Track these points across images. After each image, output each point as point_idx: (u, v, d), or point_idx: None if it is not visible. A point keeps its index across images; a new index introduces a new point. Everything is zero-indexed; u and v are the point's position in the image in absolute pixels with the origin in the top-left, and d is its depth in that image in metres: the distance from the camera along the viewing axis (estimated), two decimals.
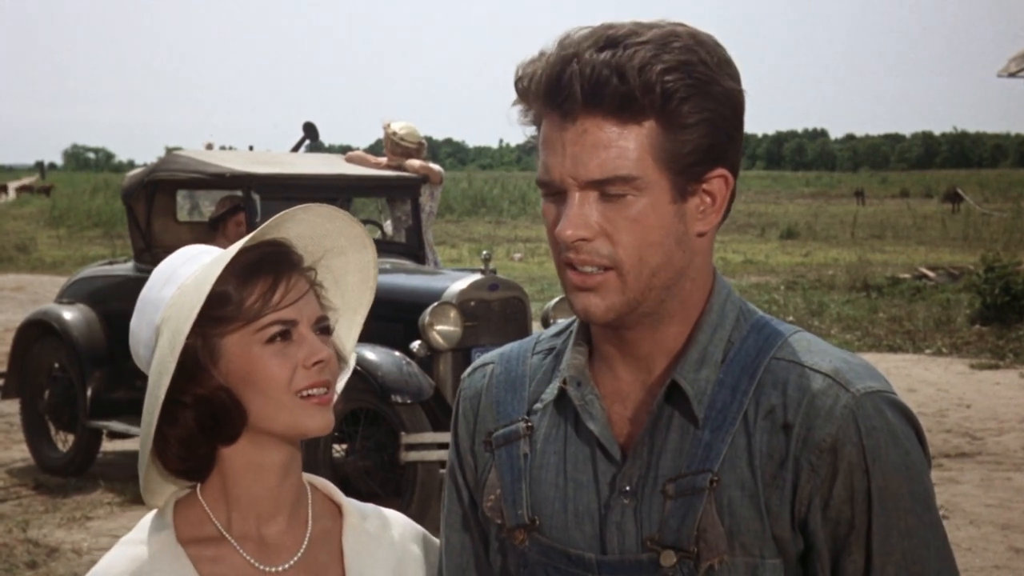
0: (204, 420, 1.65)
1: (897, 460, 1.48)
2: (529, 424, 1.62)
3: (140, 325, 1.74)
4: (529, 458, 1.61)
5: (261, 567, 1.69)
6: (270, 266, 1.66)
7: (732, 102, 1.49)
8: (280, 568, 1.70)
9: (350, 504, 1.80)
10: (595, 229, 1.47)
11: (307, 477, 1.78)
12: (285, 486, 1.71)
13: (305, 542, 1.73)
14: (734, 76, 1.50)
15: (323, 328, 1.70)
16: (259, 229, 1.68)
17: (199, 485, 1.72)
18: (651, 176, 1.46)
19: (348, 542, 1.75)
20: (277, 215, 1.69)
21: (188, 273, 1.69)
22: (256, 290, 1.65)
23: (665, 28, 1.48)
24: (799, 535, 1.49)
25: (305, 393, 1.65)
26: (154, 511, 1.74)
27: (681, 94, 1.44)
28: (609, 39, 1.46)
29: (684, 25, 1.50)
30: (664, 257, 1.49)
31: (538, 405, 1.63)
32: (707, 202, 1.51)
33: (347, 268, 1.79)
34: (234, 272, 1.64)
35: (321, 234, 1.75)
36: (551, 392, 1.62)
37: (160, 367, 1.64)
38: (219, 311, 1.63)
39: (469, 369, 1.75)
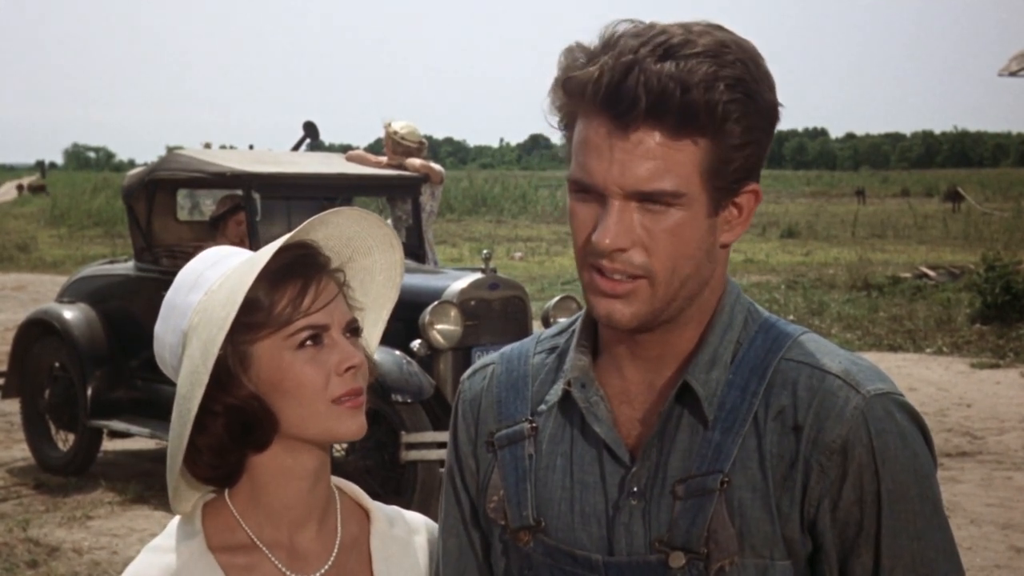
0: (234, 428, 1.62)
1: (907, 462, 1.48)
2: (534, 425, 1.61)
3: (165, 331, 1.69)
4: (534, 459, 1.60)
5: (293, 575, 1.68)
6: (299, 269, 1.63)
7: (771, 118, 1.48)
8: None
9: (377, 509, 1.78)
10: (634, 239, 1.46)
11: (334, 480, 1.76)
12: (316, 491, 1.69)
13: (335, 549, 1.71)
14: (772, 88, 1.48)
15: (353, 330, 1.67)
16: (291, 234, 1.65)
17: (227, 490, 1.69)
18: (695, 192, 1.46)
19: (376, 548, 1.74)
20: (310, 219, 1.67)
21: (215, 278, 1.66)
22: (286, 295, 1.61)
23: (715, 36, 1.45)
24: (808, 536, 1.49)
25: (339, 399, 1.63)
26: (178, 516, 1.71)
27: (736, 114, 1.43)
28: (666, 48, 1.43)
29: (723, 30, 1.48)
30: (694, 268, 1.49)
31: (542, 407, 1.62)
32: (734, 214, 1.52)
33: (374, 267, 1.77)
34: (263, 277, 1.61)
35: (349, 235, 1.72)
36: (555, 393, 1.61)
37: (192, 378, 1.60)
38: (249, 317, 1.60)
39: (469, 371, 1.74)
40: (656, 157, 1.43)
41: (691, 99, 1.41)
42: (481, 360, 1.74)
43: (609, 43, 1.46)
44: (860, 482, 1.47)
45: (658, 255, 1.46)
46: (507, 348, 1.73)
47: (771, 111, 1.48)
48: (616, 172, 1.44)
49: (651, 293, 1.48)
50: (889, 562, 1.47)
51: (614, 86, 1.43)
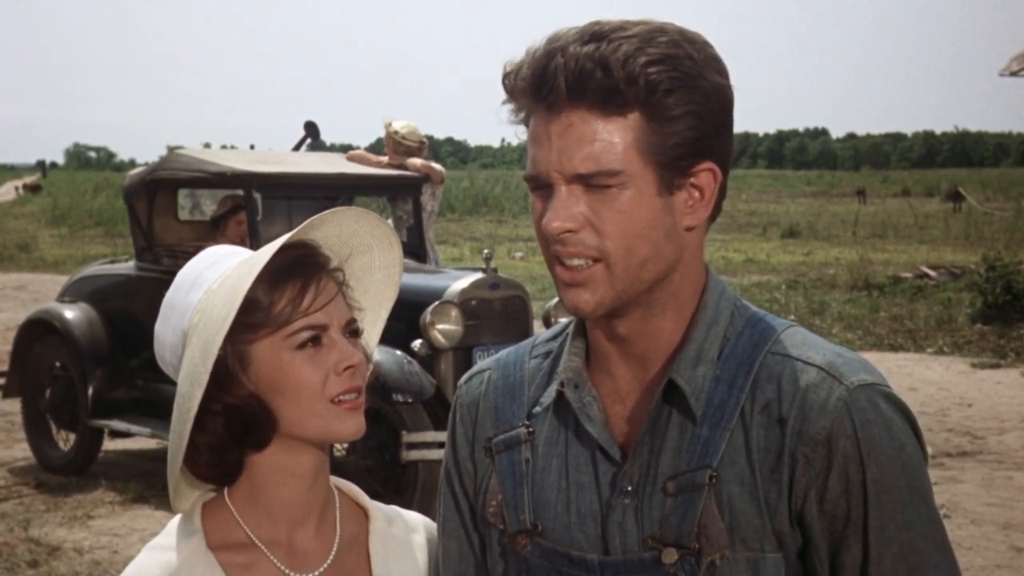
0: (234, 428, 1.62)
1: (892, 452, 1.48)
2: (531, 430, 1.62)
3: (165, 330, 1.69)
4: (531, 463, 1.61)
5: (292, 574, 1.68)
6: (299, 269, 1.63)
7: (719, 97, 1.49)
8: (311, 575, 1.69)
9: (376, 508, 1.78)
10: (581, 221, 1.48)
11: (333, 480, 1.76)
12: (315, 490, 1.70)
13: (334, 548, 1.71)
14: (722, 72, 1.50)
15: (352, 331, 1.67)
16: (290, 234, 1.65)
17: (226, 489, 1.69)
18: (636, 169, 1.47)
19: (375, 547, 1.74)
20: (309, 219, 1.67)
21: (214, 277, 1.66)
22: (285, 295, 1.62)
23: (653, 25, 1.49)
24: (796, 529, 1.49)
25: (337, 399, 1.63)
26: (178, 515, 1.71)
27: (665, 86, 1.44)
28: (595, 34, 1.46)
29: (673, 24, 1.51)
30: (652, 249, 1.49)
31: (537, 409, 1.63)
32: (695, 196, 1.51)
33: (372, 266, 1.77)
34: (263, 277, 1.61)
35: (348, 234, 1.72)
36: (549, 395, 1.62)
37: (192, 378, 1.61)
38: (248, 317, 1.60)
39: (466, 376, 1.74)
40: (588, 139, 1.46)
41: (610, 74, 1.44)
42: (478, 365, 1.75)
43: (547, 40, 1.50)
44: (846, 473, 1.47)
45: (609, 236, 1.47)
46: (503, 353, 1.74)
47: (717, 91, 1.48)
48: (555, 159, 1.47)
49: (609, 276, 1.49)
50: (877, 552, 1.47)
51: (538, 72, 1.47)
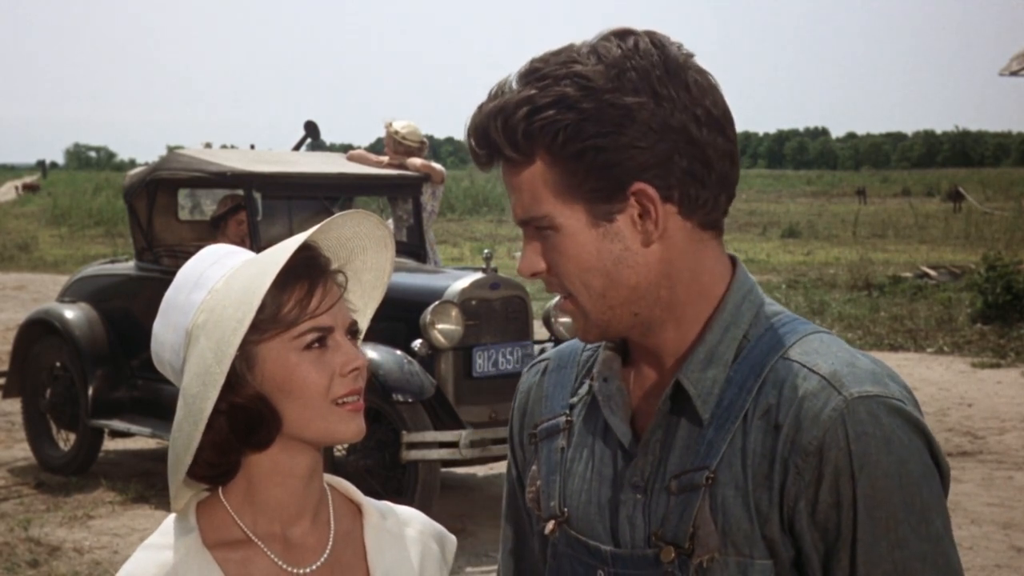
0: (238, 427, 1.63)
1: (890, 468, 1.45)
2: (569, 419, 1.66)
3: (165, 330, 1.69)
4: (565, 452, 1.64)
5: (289, 568, 1.68)
6: (305, 271, 1.64)
7: (633, 118, 1.46)
8: (308, 569, 1.69)
9: (369, 503, 1.80)
10: (543, 263, 1.54)
11: (326, 477, 1.77)
12: (310, 489, 1.71)
13: (330, 543, 1.72)
14: (641, 89, 1.46)
15: (353, 332, 1.69)
16: (304, 235, 1.66)
17: (220, 488, 1.69)
18: (561, 210, 1.50)
19: (370, 541, 1.75)
20: (321, 223, 1.68)
21: (217, 276, 1.66)
22: (292, 297, 1.63)
23: (573, 54, 1.49)
24: (789, 537, 1.48)
25: (341, 400, 1.64)
26: (172, 514, 1.71)
27: (552, 128, 1.46)
28: (518, 80, 1.50)
29: (610, 41, 1.50)
30: (606, 280, 1.51)
31: (574, 399, 1.67)
32: (639, 216, 1.50)
33: (364, 267, 1.78)
34: None
35: (348, 236, 1.73)
36: (585, 386, 1.66)
37: (205, 378, 1.61)
38: (256, 318, 1.61)
39: (528, 364, 1.79)
40: (516, 188, 1.53)
41: (496, 133, 1.49)
42: (542, 354, 1.79)
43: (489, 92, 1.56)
44: (836, 486, 1.45)
45: (563, 275, 1.53)
46: (563, 344, 1.77)
47: (629, 113, 1.46)
48: (511, 207, 1.55)
49: (578, 309, 1.55)
50: (865, 569, 1.45)
51: (467, 135, 1.55)
